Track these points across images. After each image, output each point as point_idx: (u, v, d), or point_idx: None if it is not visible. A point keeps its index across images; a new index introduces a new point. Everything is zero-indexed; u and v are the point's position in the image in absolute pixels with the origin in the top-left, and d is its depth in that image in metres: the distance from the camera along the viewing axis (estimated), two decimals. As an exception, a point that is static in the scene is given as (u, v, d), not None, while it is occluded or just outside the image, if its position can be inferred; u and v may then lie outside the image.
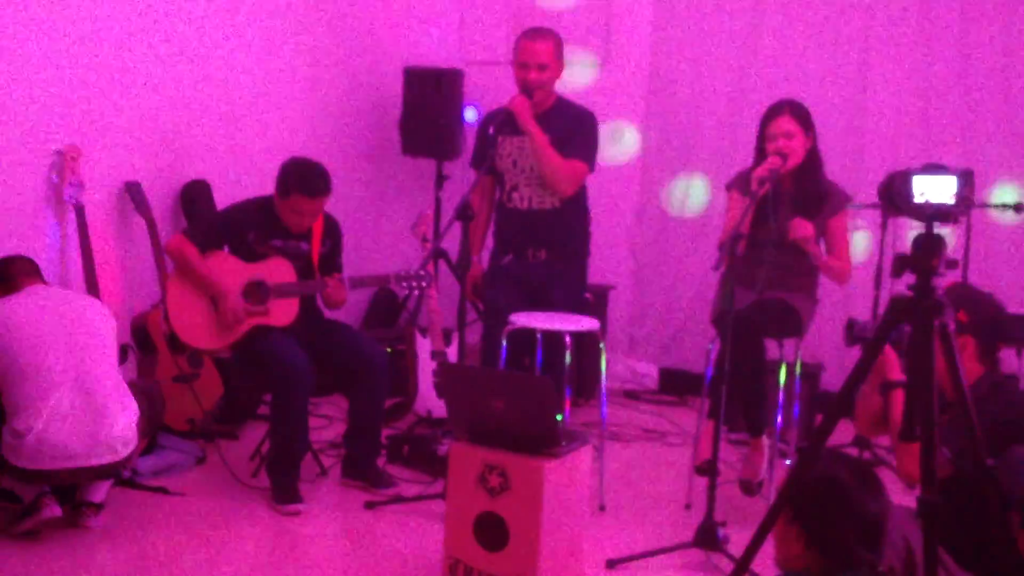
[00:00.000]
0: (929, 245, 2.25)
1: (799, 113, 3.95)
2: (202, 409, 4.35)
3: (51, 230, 4.18)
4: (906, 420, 2.37)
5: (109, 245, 4.48)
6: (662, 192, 5.91)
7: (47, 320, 3.51)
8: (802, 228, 3.84)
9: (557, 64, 4.33)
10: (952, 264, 2.29)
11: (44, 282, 3.77)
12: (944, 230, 2.39)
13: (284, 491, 3.92)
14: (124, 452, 3.52)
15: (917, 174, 2.30)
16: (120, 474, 3.72)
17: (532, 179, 4.36)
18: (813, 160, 3.98)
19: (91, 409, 3.45)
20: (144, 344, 4.39)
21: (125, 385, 3.64)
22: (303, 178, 4.02)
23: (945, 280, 2.33)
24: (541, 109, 4.29)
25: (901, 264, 2.28)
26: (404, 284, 4.16)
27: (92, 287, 4.08)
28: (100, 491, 3.61)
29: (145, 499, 3.90)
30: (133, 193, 4.46)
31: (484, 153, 4.40)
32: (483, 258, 4.65)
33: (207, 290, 4.03)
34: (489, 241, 4.66)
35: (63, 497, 3.54)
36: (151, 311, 4.41)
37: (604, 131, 4.64)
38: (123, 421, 3.52)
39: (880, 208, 4.27)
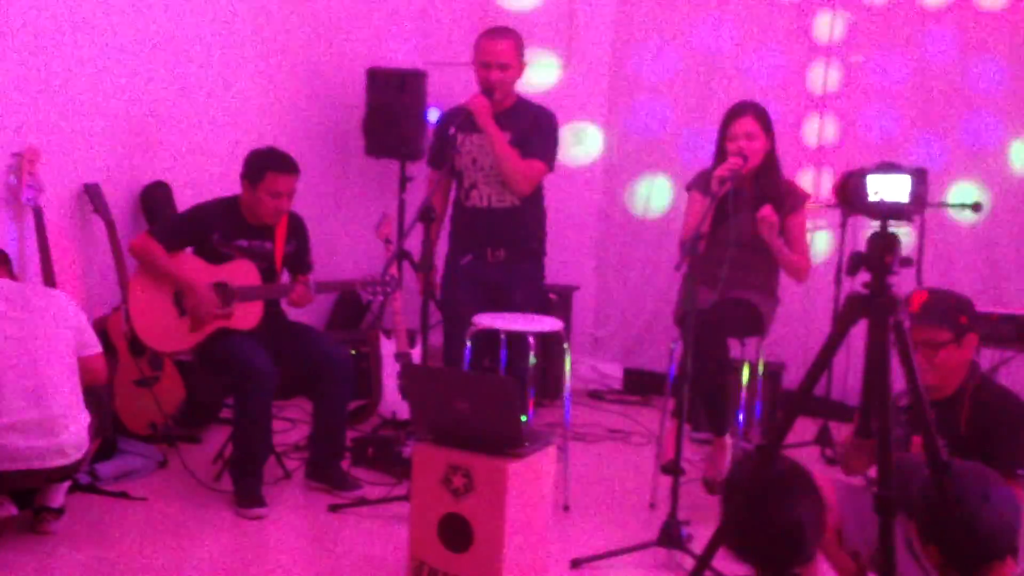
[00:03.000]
0: (884, 243, 2.29)
1: (761, 115, 4.00)
2: (163, 413, 4.31)
3: (9, 233, 4.12)
4: (862, 417, 2.39)
5: (68, 248, 4.42)
6: (625, 193, 5.94)
7: (4, 320, 3.45)
8: (770, 214, 3.88)
9: (518, 64, 4.32)
10: (906, 262, 2.31)
11: (12, 275, 3.71)
12: (903, 229, 2.42)
13: (247, 495, 3.90)
14: (75, 456, 3.45)
15: (871, 173, 2.33)
16: (74, 478, 3.67)
17: (491, 177, 4.33)
18: (771, 161, 4.03)
19: (42, 414, 3.38)
20: (104, 347, 4.32)
21: (79, 389, 3.57)
22: (275, 157, 4.07)
23: (901, 279, 2.35)
24: (500, 108, 4.26)
25: (856, 262, 2.31)
26: (370, 290, 4.14)
27: (50, 290, 4.03)
28: (58, 496, 3.57)
29: (106, 504, 3.86)
30: (92, 195, 4.41)
31: (443, 153, 4.37)
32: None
33: (175, 285, 4.00)
34: (444, 241, 4.57)
35: (22, 503, 3.50)
36: (111, 314, 4.36)
37: (567, 132, 4.66)
38: (74, 426, 3.45)
39: (838, 207, 4.33)
